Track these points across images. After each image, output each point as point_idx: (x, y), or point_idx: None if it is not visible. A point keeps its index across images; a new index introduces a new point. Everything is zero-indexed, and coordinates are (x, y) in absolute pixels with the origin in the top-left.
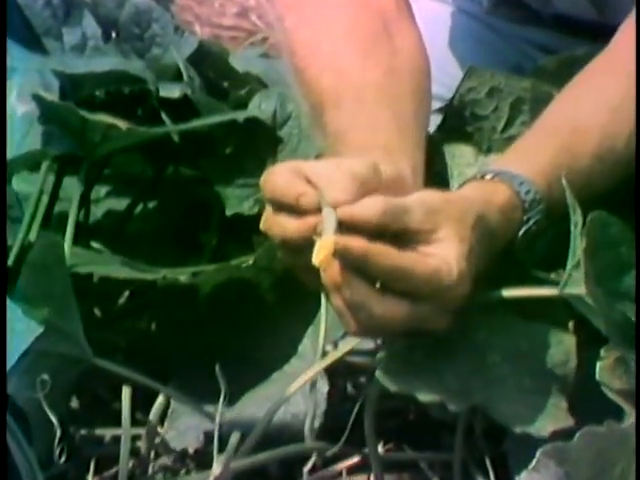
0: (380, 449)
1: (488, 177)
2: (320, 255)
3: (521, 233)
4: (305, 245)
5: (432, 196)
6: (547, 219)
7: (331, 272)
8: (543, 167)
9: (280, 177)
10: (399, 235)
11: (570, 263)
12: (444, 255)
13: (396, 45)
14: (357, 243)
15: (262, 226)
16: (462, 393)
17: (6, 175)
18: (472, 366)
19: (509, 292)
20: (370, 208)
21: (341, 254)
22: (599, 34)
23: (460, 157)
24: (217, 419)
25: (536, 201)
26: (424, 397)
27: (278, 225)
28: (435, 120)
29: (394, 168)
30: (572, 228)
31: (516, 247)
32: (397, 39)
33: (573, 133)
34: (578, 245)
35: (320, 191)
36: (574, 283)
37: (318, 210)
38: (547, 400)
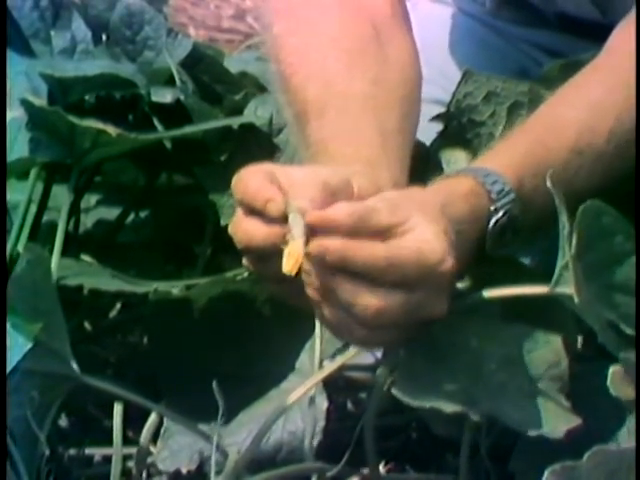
0: (381, 469)
1: (456, 173)
2: (290, 261)
3: (492, 224)
4: (271, 253)
5: (393, 193)
6: (521, 211)
7: (311, 280)
8: (513, 160)
9: (252, 179)
10: (371, 237)
11: (560, 262)
12: (421, 237)
13: (386, 54)
14: (333, 242)
15: (230, 229)
16: (469, 404)
17: (6, 177)
18: (472, 376)
19: (498, 292)
20: (337, 212)
21: (318, 256)
22: (604, 36)
23: (454, 163)
24: (214, 440)
25: (504, 191)
26: (448, 408)
27: (244, 230)
28: (435, 127)
29: (373, 182)
30: (560, 226)
31: (488, 238)
32: (388, 47)
33: (548, 128)
34: (566, 243)
35: (287, 197)
36: (565, 282)
37: (286, 218)
38: (550, 401)
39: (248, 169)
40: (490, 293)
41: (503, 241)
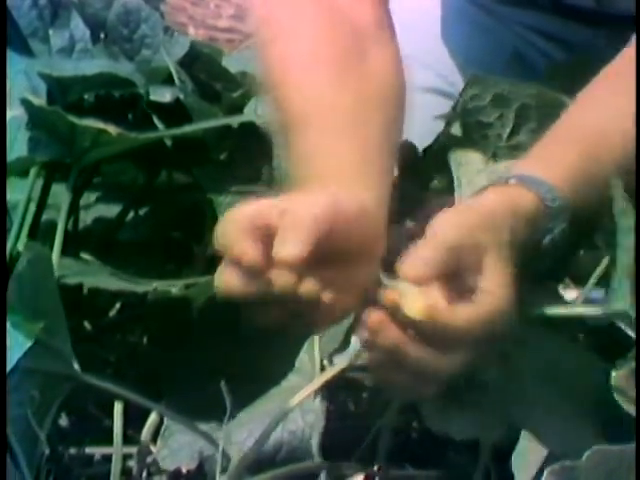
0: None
1: (512, 182)
2: (417, 306)
3: (546, 242)
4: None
5: (467, 220)
6: (570, 228)
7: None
8: (568, 173)
9: (230, 227)
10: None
11: (617, 278)
12: (494, 290)
13: (370, 67)
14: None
15: (215, 280)
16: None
17: (6, 177)
18: (511, 391)
19: (553, 310)
20: (418, 268)
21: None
22: (598, 21)
23: (467, 164)
24: (220, 439)
25: (562, 208)
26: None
27: (223, 281)
28: (428, 118)
29: (356, 200)
30: (620, 239)
31: (539, 257)
32: (372, 60)
33: (597, 138)
34: (624, 258)
35: (276, 244)
36: (619, 299)
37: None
38: (589, 428)
39: (232, 215)
40: (541, 312)
41: (550, 257)
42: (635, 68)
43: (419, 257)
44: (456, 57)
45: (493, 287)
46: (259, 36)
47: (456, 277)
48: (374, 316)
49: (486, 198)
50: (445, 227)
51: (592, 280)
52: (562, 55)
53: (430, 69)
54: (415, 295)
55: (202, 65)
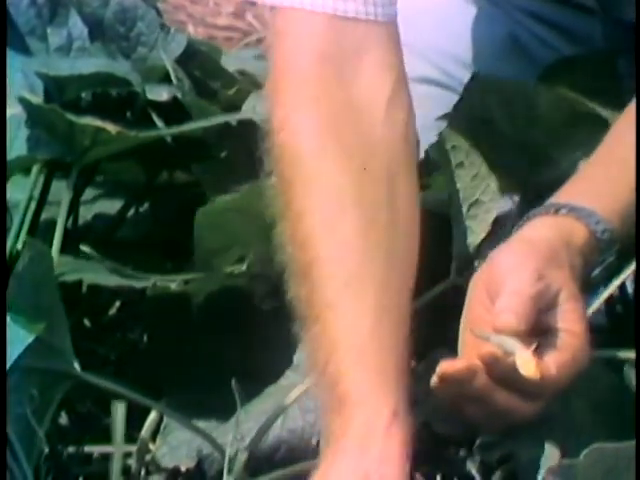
0: None
1: (563, 212)
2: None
3: (595, 274)
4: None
5: (536, 262)
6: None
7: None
8: (616, 204)
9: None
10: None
11: None
12: (574, 330)
13: (396, 220)
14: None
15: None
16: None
17: (6, 177)
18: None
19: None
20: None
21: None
22: (595, 7)
23: (471, 166)
24: (230, 437)
25: (612, 241)
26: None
27: None
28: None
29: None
30: None
31: (587, 289)
32: (398, 210)
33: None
34: None
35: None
36: None
37: None
38: None
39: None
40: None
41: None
42: None
43: (510, 309)
44: (452, 42)
45: (572, 326)
46: (283, 121)
47: (535, 320)
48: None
49: (540, 231)
50: (521, 273)
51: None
52: (558, 41)
53: (426, 59)
54: (526, 353)
55: (199, 63)
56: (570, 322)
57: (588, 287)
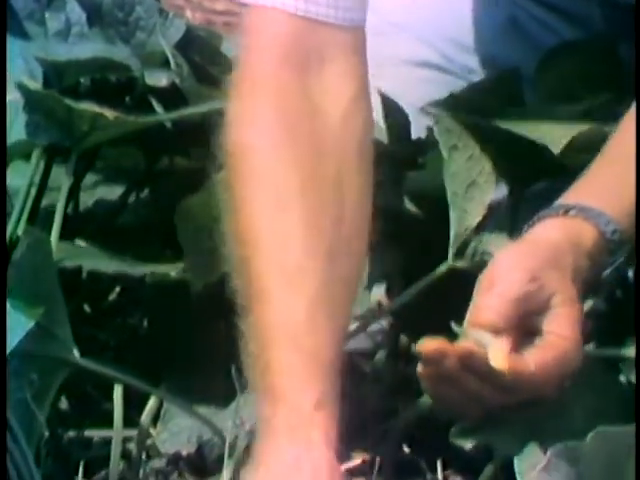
0: None
1: (572, 213)
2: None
3: (605, 275)
4: None
5: (533, 262)
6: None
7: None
8: (626, 204)
9: None
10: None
11: None
12: (561, 332)
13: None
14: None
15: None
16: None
17: (6, 163)
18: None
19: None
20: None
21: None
22: None
23: (472, 160)
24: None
25: (622, 242)
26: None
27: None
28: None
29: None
30: None
31: (596, 291)
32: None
33: None
34: None
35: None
36: None
37: None
38: None
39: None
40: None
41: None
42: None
43: (491, 307)
44: (451, 25)
45: (561, 329)
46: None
47: (523, 321)
48: (432, 345)
49: (547, 232)
50: (512, 274)
51: None
52: (558, 24)
53: (426, 43)
54: (498, 346)
55: (198, 48)
56: (560, 325)
57: (599, 287)
